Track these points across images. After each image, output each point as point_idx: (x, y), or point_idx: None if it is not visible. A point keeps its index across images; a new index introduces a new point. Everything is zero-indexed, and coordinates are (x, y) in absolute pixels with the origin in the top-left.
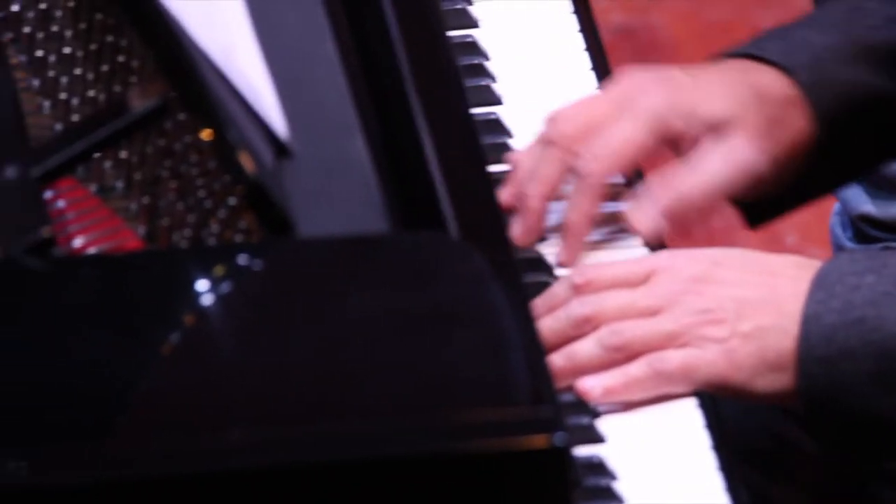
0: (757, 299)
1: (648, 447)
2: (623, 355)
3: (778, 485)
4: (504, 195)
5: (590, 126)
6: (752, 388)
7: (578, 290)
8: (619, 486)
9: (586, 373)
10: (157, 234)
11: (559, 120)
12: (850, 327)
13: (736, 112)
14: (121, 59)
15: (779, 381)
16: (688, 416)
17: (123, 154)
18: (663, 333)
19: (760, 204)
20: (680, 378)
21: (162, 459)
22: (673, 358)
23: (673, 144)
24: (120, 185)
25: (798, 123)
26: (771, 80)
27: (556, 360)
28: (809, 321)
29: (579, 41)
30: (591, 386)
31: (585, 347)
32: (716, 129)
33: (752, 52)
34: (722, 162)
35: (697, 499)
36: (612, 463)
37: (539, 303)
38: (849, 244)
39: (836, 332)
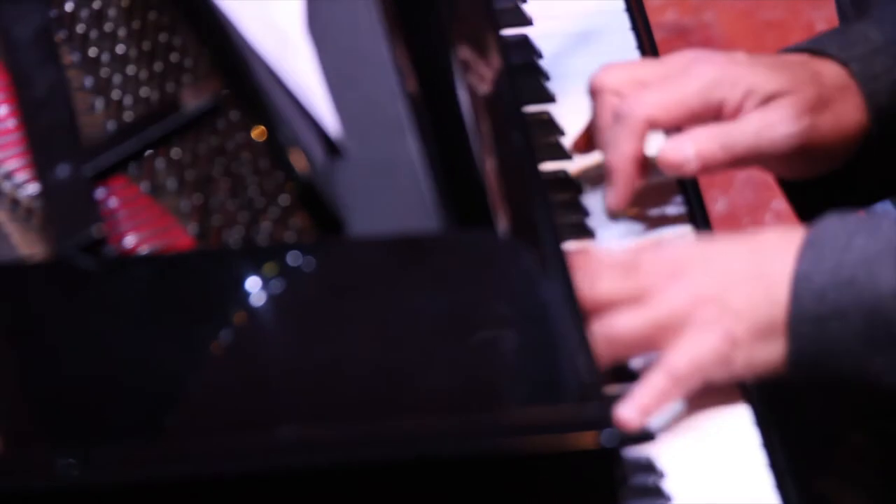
0: (743, 274)
1: (697, 445)
2: (623, 347)
3: (831, 482)
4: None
5: (637, 81)
6: (753, 362)
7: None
8: (668, 484)
9: None
10: (208, 233)
11: (607, 70)
12: (841, 288)
13: (787, 86)
14: (174, 57)
15: (772, 351)
16: (737, 415)
17: (175, 153)
18: (656, 320)
19: (813, 200)
20: (695, 373)
21: (213, 458)
22: (681, 358)
23: (719, 114)
24: (172, 183)
25: (848, 109)
26: (827, 68)
27: None
28: (800, 281)
29: (631, 39)
30: (628, 415)
31: None
32: (765, 100)
33: (809, 48)
34: (761, 120)
35: (746, 497)
36: (661, 461)
37: None
38: None
39: (827, 291)
